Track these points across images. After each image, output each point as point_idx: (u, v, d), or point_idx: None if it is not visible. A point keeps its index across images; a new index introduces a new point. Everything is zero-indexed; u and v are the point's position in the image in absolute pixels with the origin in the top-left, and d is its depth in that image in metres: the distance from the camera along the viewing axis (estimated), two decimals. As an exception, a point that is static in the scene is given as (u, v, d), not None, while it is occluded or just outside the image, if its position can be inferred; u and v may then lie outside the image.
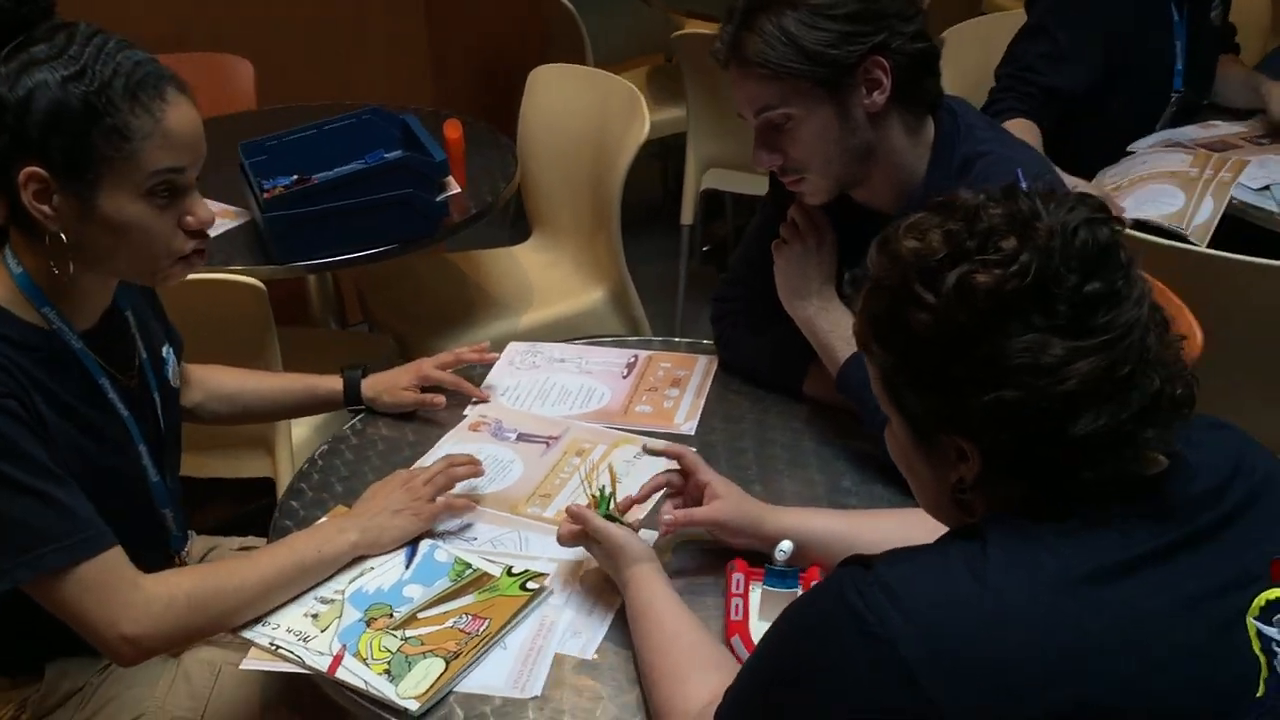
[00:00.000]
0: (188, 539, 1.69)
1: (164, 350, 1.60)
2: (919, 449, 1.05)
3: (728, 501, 1.43)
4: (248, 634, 1.38)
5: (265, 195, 2.32)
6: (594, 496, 1.46)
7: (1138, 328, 0.96)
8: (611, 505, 1.44)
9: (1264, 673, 0.95)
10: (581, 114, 2.89)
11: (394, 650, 1.33)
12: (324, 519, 1.54)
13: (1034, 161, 1.59)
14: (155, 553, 1.56)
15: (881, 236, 1.02)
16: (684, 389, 1.84)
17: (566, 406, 1.80)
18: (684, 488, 1.48)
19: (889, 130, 1.58)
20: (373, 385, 1.81)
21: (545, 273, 3.00)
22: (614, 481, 1.48)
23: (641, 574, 1.35)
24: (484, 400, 1.81)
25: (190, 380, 1.80)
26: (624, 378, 1.87)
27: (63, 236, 1.32)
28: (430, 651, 1.33)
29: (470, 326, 2.74)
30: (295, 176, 2.40)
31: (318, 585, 1.44)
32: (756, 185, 3.55)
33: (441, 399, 1.78)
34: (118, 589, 1.33)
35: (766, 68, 1.52)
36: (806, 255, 1.70)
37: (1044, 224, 0.97)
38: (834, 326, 1.67)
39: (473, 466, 1.59)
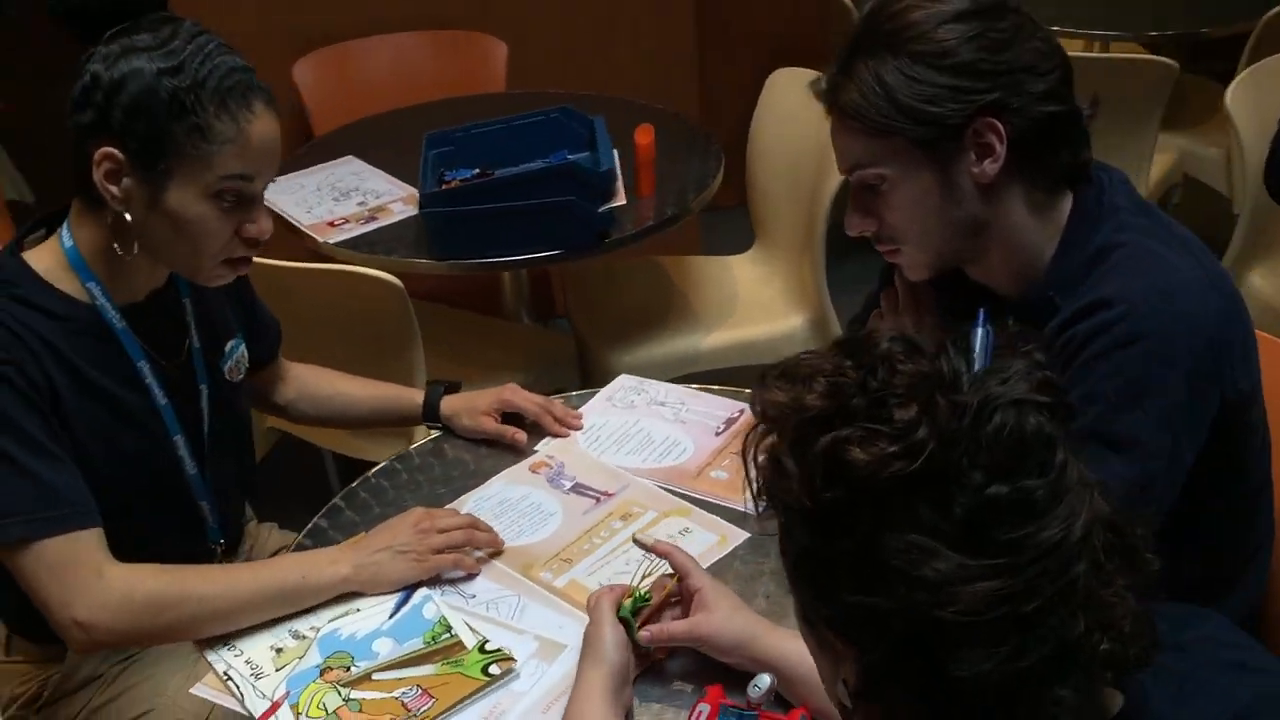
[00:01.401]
0: (244, 530, 1.71)
1: (229, 344, 1.58)
2: (803, 628, 0.85)
3: (714, 615, 1.25)
4: (209, 655, 1.35)
5: (444, 186, 2.31)
6: (633, 588, 1.31)
7: (1060, 553, 0.72)
8: (635, 610, 1.29)
9: None
10: (813, 121, 2.68)
11: (330, 710, 1.26)
12: (328, 548, 1.48)
13: (1170, 268, 1.27)
14: (190, 542, 1.57)
15: (760, 373, 0.82)
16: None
17: (641, 458, 1.66)
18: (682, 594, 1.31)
19: (1006, 205, 1.32)
20: (451, 404, 1.74)
21: (755, 288, 2.83)
22: (666, 592, 1.31)
23: (588, 680, 1.20)
24: (563, 437, 1.70)
25: (286, 377, 1.80)
26: (717, 434, 1.70)
27: (126, 217, 1.34)
28: (362, 721, 1.24)
29: (655, 337, 2.63)
30: (478, 170, 2.36)
31: (299, 615, 1.39)
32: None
33: (522, 435, 1.69)
34: (78, 572, 1.32)
35: (859, 120, 1.30)
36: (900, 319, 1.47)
37: (959, 397, 0.74)
38: None
39: (492, 538, 1.48)
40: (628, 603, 1.29)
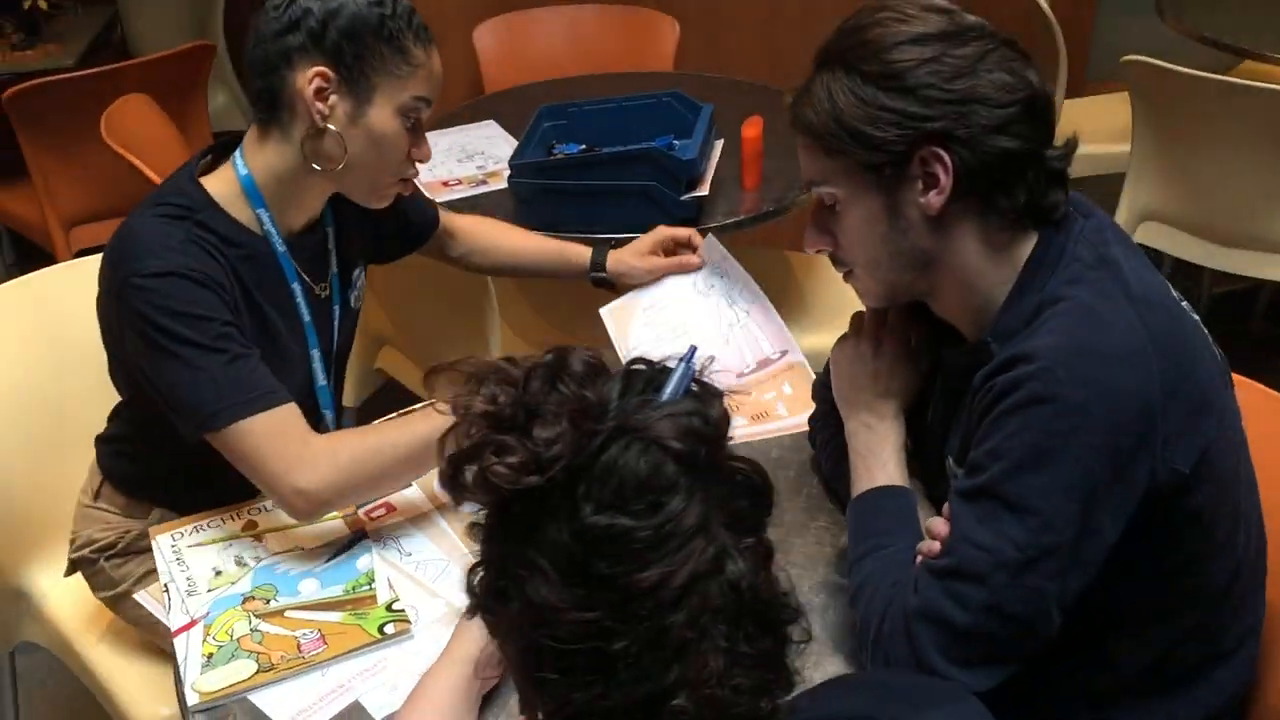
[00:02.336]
0: None
1: (355, 272, 1.73)
2: None
3: None
4: (160, 565, 1.46)
5: (551, 159, 2.37)
6: None
7: (654, 599, 0.71)
8: None
9: None
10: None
11: (234, 637, 1.35)
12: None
13: (1105, 330, 1.17)
14: None
15: (452, 362, 0.83)
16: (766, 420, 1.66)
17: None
18: None
19: (957, 242, 1.25)
20: (619, 256, 1.91)
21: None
22: None
23: (445, 661, 1.23)
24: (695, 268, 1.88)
25: (456, 233, 1.96)
26: (740, 375, 1.72)
27: (330, 127, 1.48)
28: (257, 653, 1.33)
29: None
30: (584, 146, 2.41)
31: (249, 542, 1.48)
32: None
33: (694, 259, 1.88)
34: (288, 444, 1.43)
35: (811, 138, 1.27)
36: (860, 360, 1.41)
37: (596, 425, 0.74)
38: (869, 450, 1.38)
39: None
40: None
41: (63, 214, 3.21)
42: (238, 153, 1.55)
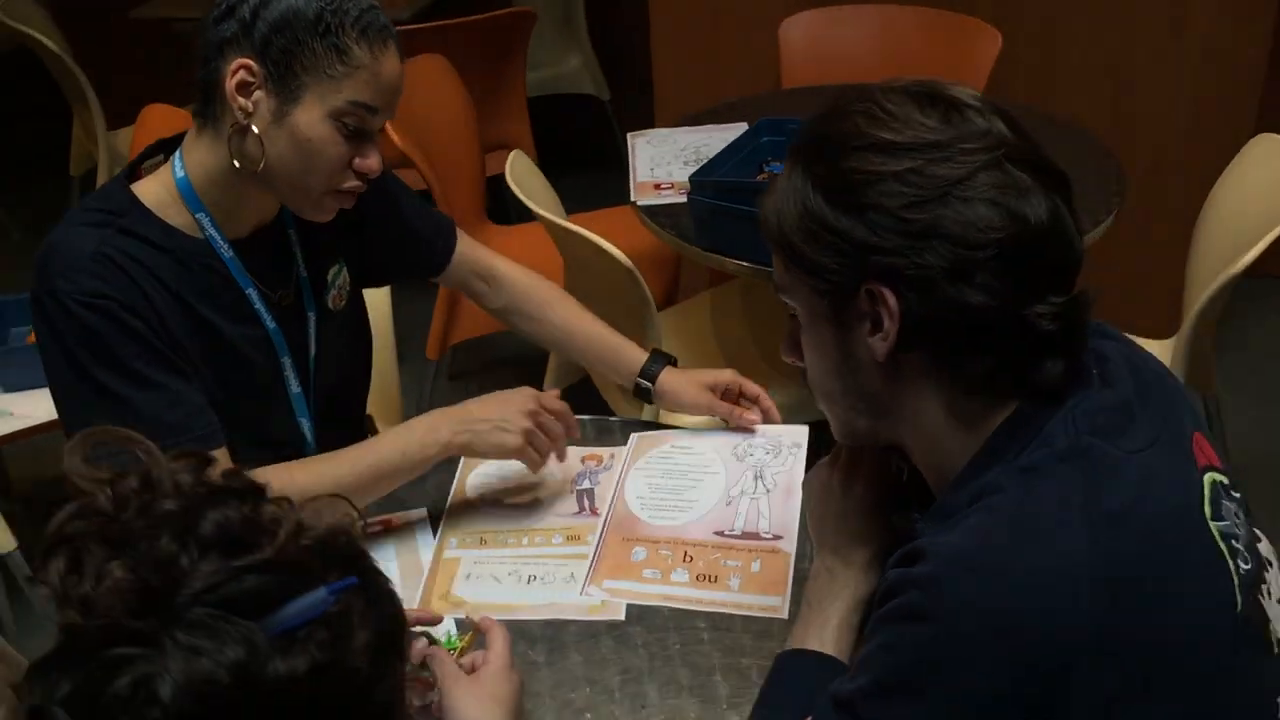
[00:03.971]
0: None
1: (330, 272, 1.63)
2: None
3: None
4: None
5: (760, 177, 2.20)
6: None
7: None
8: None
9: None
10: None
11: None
12: (426, 414, 1.50)
13: (1028, 548, 0.90)
14: (290, 455, 1.61)
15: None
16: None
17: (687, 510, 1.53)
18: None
19: (913, 399, 1.01)
20: (674, 377, 1.69)
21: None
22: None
23: None
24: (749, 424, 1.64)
25: (498, 281, 1.79)
26: (721, 534, 1.50)
27: (252, 129, 1.38)
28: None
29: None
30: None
31: None
32: None
33: (754, 415, 1.64)
34: None
35: (767, 240, 1.06)
36: (829, 495, 1.19)
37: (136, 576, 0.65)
38: (819, 600, 1.17)
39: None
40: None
41: (389, 159, 3.42)
42: (177, 153, 1.46)
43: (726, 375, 1.67)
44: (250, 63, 1.36)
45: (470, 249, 1.78)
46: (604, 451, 1.64)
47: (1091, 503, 0.91)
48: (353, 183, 1.44)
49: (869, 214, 0.95)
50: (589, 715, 1.26)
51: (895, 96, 0.98)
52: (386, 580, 0.76)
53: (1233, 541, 0.96)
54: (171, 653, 0.63)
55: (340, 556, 0.72)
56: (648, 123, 3.37)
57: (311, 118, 1.38)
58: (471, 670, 1.16)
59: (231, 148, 1.40)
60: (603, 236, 2.09)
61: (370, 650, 0.68)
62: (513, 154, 2.36)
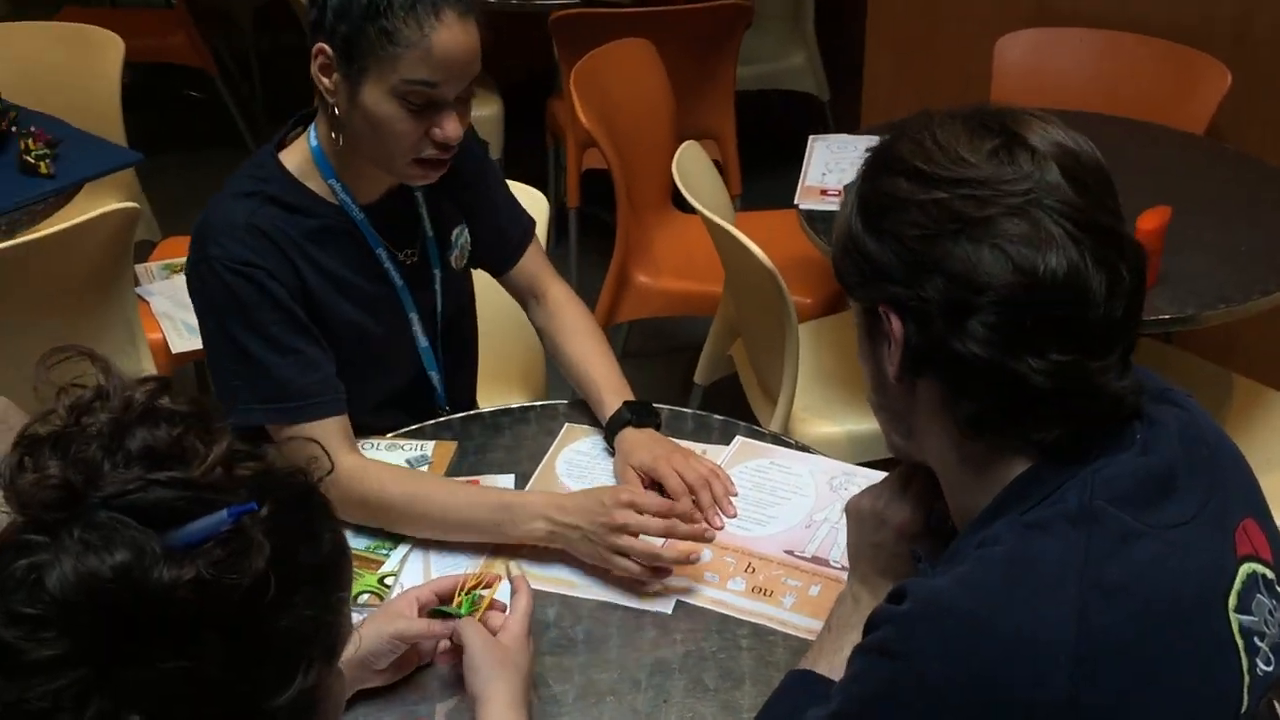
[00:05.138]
0: (475, 398, 1.89)
1: (454, 233, 1.71)
2: None
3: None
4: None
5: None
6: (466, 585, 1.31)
7: None
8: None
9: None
10: None
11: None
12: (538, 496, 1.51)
13: (1008, 600, 0.87)
14: (421, 405, 1.76)
15: None
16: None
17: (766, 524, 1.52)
18: None
19: (927, 432, 1.00)
20: (630, 443, 1.57)
21: None
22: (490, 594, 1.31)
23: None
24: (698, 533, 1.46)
25: (544, 300, 1.79)
26: (791, 553, 1.48)
27: (334, 110, 1.51)
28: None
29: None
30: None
31: None
32: None
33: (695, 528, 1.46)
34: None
35: None
36: (867, 523, 1.16)
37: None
38: (840, 625, 1.16)
39: (694, 530, 1.43)
40: (465, 599, 1.30)
41: (579, 136, 3.50)
42: (313, 123, 1.56)
43: (675, 459, 1.53)
44: (325, 47, 1.45)
45: (535, 264, 1.80)
46: (698, 447, 1.65)
47: (1091, 571, 0.87)
48: (432, 152, 1.49)
49: (886, 238, 0.95)
50: (610, 699, 1.28)
51: (951, 124, 0.96)
52: (333, 524, 0.81)
53: (1255, 639, 0.89)
54: (67, 546, 0.68)
55: (279, 489, 0.76)
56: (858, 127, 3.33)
57: (375, 97, 1.44)
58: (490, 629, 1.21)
59: (330, 126, 1.51)
60: (765, 238, 2.08)
61: (270, 577, 0.71)
62: (684, 145, 2.38)
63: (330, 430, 1.49)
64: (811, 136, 2.59)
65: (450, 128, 1.48)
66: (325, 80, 1.48)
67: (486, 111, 3.72)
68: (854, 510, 1.18)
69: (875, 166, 0.99)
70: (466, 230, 1.74)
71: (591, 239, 3.43)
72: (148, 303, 2.58)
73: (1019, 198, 0.91)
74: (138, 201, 3.02)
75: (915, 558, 1.06)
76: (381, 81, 1.44)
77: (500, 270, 1.80)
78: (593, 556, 1.41)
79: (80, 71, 3.04)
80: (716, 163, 3.54)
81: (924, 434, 1.00)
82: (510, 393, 2.15)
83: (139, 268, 2.65)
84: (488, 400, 1.96)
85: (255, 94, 4.78)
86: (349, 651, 1.03)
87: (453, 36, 1.43)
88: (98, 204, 2.22)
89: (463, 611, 1.28)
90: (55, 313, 2.21)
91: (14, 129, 2.52)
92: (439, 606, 1.29)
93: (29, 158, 2.42)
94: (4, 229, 2.29)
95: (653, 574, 1.40)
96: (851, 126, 3.63)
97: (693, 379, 2.67)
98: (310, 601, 0.76)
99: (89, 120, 2.77)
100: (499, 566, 1.42)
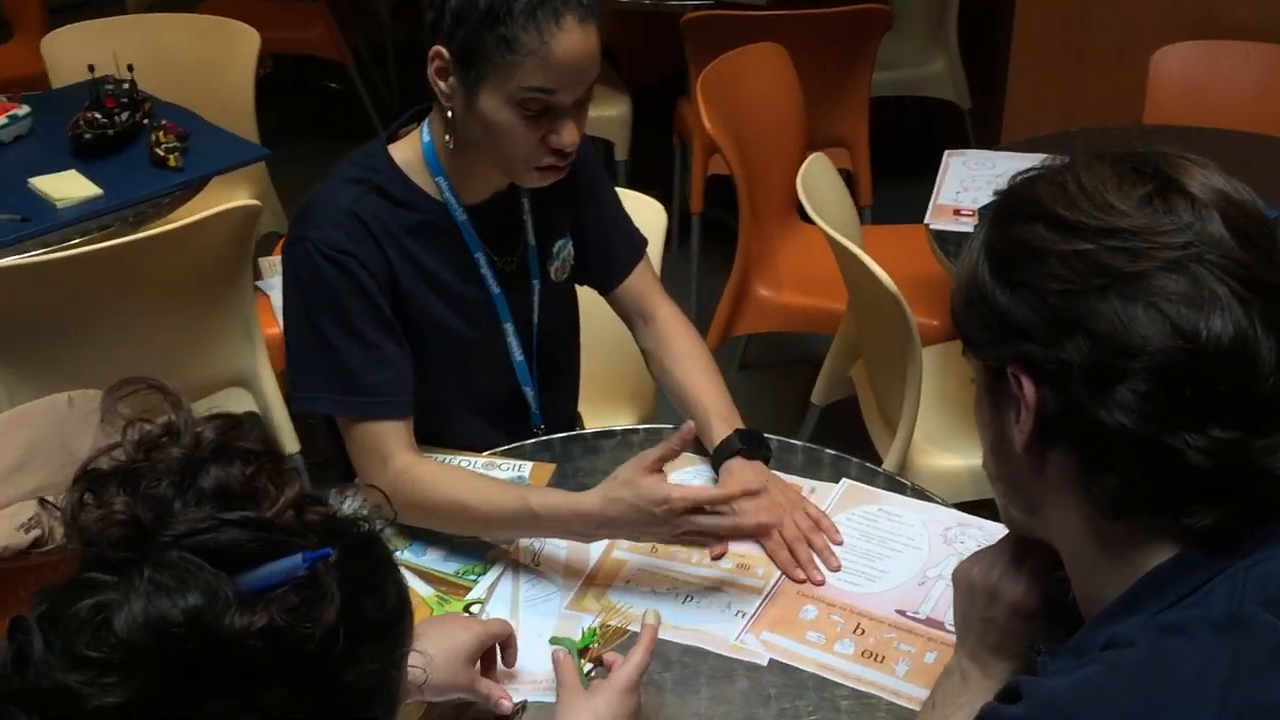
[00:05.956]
0: (574, 418, 1.83)
1: (556, 244, 1.65)
2: None
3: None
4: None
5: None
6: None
7: None
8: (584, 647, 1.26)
9: None
10: None
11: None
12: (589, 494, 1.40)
13: (1141, 710, 0.77)
14: (515, 421, 1.71)
15: None
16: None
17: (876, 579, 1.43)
18: None
19: (1057, 501, 0.90)
20: (734, 471, 1.51)
21: None
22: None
23: None
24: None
25: (652, 321, 1.72)
26: (905, 614, 1.38)
27: (448, 113, 1.48)
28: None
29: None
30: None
31: None
32: None
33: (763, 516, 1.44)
34: (370, 457, 1.47)
35: None
36: (977, 596, 1.06)
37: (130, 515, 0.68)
38: (944, 703, 1.06)
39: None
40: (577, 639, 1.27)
41: (705, 140, 3.43)
42: (426, 120, 1.54)
43: (787, 497, 1.48)
44: (443, 50, 1.41)
45: (644, 283, 1.73)
46: (805, 484, 1.56)
47: (1236, 687, 0.76)
48: (549, 159, 1.46)
49: (1022, 291, 0.85)
50: (696, 755, 1.21)
51: (1098, 168, 0.86)
52: (397, 575, 0.77)
53: None
54: (137, 586, 0.64)
55: (345, 537, 0.73)
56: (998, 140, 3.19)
57: (492, 104, 1.41)
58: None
59: (444, 128, 1.48)
60: (892, 255, 1.99)
61: (340, 629, 0.68)
62: (812, 157, 2.29)
63: (390, 432, 1.47)
64: (947, 152, 2.47)
65: (567, 135, 1.44)
66: (441, 83, 1.45)
67: (614, 111, 3.68)
68: (963, 581, 1.08)
69: (1007, 211, 0.90)
70: (571, 243, 1.68)
71: (715, 245, 3.35)
72: (268, 296, 2.59)
73: (1177, 251, 0.81)
74: (266, 193, 3.08)
75: (1034, 649, 0.96)
76: (499, 89, 1.40)
77: (606, 287, 1.74)
78: (646, 538, 1.38)
79: (216, 64, 3.09)
80: (846, 171, 3.46)
81: (1052, 511, 0.91)
82: (617, 413, 2.09)
83: (262, 261, 2.67)
84: (593, 420, 1.91)
85: (390, 86, 4.82)
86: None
87: (572, 43, 1.38)
88: (226, 196, 2.25)
89: (578, 644, 1.23)
90: (174, 306, 2.23)
91: (146, 121, 2.56)
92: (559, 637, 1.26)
93: (159, 150, 2.46)
94: (131, 221, 2.33)
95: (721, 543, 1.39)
96: (991, 138, 3.49)
97: (810, 398, 2.58)
98: (375, 656, 0.72)
99: (222, 111, 2.81)
100: (611, 604, 1.38)
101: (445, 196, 1.54)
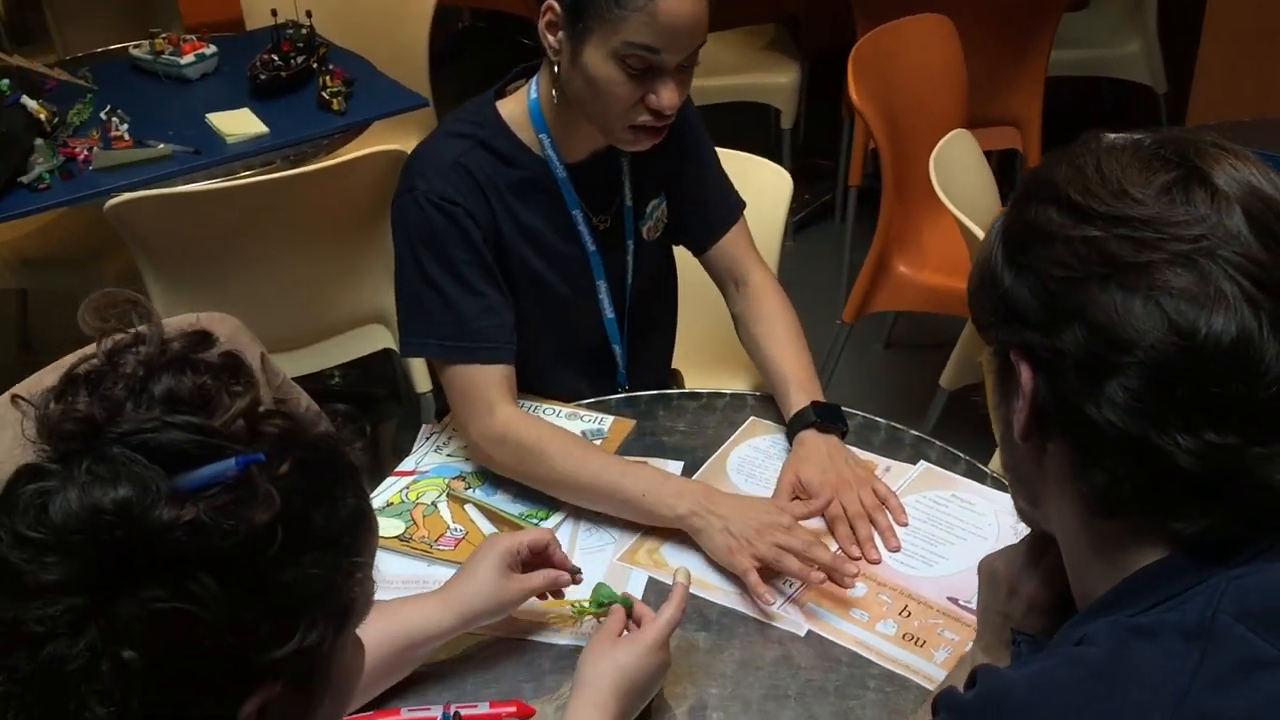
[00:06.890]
0: (664, 380, 1.84)
1: (650, 204, 1.67)
2: None
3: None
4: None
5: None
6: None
7: None
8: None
9: None
10: None
11: (415, 499, 1.52)
12: (681, 479, 1.48)
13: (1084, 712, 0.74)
14: (601, 378, 1.74)
15: None
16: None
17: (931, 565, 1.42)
18: None
19: (1054, 495, 0.88)
20: (805, 444, 1.51)
21: None
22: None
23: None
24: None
25: (745, 284, 1.72)
26: (956, 602, 1.33)
27: (556, 66, 1.51)
28: (411, 522, 1.48)
29: None
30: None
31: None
32: None
33: (808, 572, 1.35)
34: (475, 402, 1.51)
35: None
36: (997, 590, 1.04)
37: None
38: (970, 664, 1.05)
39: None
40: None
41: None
42: (535, 77, 1.56)
43: (824, 493, 1.44)
44: (554, 4, 1.44)
45: (739, 247, 1.72)
46: (881, 462, 1.55)
47: (1193, 696, 0.73)
48: (647, 118, 1.47)
49: (1026, 275, 0.83)
50: (717, 715, 1.22)
51: (1120, 151, 0.83)
52: (357, 492, 0.79)
53: None
54: (76, 476, 0.69)
55: (303, 449, 0.75)
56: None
57: (597, 58, 1.43)
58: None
59: (552, 83, 1.50)
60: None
61: (277, 529, 0.71)
62: (952, 133, 2.23)
63: (493, 377, 1.51)
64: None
65: (667, 96, 1.45)
66: (550, 38, 1.47)
67: (784, 79, 3.65)
68: (986, 571, 1.06)
69: (1027, 191, 0.87)
70: (665, 202, 1.70)
71: (872, 219, 3.30)
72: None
73: (1186, 244, 0.77)
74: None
75: (1014, 640, 0.94)
76: (604, 43, 1.42)
77: (700, 249, 1.75)
78: (720, 552, 1.36)
79: (395, 14, 3.21)
80: (1013, 151, 3.35)
81: (1050, 503, 0.88)
82: (711, 376, 2.10)
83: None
84: (696, 379, 1.92)
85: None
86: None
87: (680, 4, 1.40)
88: (390, 141, 2.34)
89: (617, 596, 1.26)
90: (322, 242, 2.35)
91: (318, 65, 2.70)
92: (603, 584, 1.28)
93: (325, 94, 2.58)
94: (292, 159, 2.46)
95: (806, 573, 1.33)
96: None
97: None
98: (318, 562, 0.75)
99: (397, 59, 2.92)
100: (663, 561, 1.40)
101: (547, 153, 1.57)
